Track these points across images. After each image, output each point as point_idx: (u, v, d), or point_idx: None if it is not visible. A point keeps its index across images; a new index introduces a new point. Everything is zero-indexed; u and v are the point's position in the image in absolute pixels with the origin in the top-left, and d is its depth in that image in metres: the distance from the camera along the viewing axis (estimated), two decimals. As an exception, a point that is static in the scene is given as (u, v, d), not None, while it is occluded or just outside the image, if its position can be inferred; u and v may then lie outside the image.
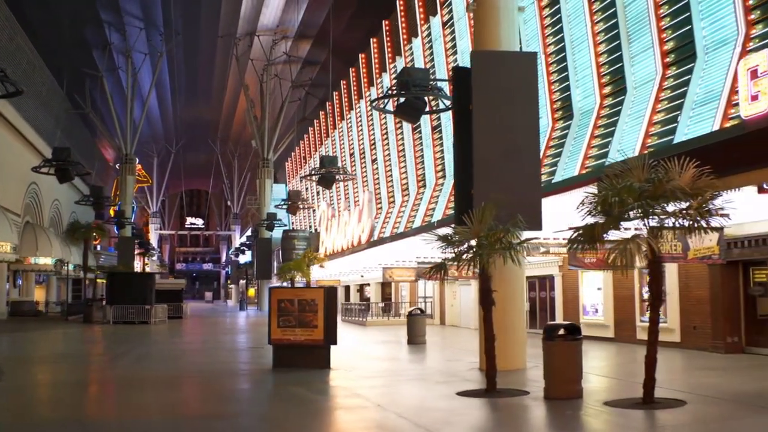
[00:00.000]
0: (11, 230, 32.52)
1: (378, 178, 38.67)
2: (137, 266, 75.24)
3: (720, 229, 15.12)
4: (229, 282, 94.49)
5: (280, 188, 64.02)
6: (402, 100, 18.67)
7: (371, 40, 38.74)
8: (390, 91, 22.37)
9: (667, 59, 16.92)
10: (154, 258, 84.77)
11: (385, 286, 41.60)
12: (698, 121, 15.07)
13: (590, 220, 11.12)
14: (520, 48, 22.95)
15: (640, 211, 10.35)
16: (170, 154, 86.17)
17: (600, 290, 21.59)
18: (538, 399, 11.47)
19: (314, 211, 55.37)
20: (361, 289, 48.99)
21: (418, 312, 23.95)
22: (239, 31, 56.81)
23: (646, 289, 19.24)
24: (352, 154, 43.98)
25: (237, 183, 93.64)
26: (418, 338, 22.60)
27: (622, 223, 11.05)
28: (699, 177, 10.39)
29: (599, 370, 15.80)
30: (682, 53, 16.52)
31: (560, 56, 21.25)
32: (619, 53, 18.62)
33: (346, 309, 39.29)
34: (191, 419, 10.42)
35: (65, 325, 33.85)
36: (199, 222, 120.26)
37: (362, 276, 44.19)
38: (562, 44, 21.04)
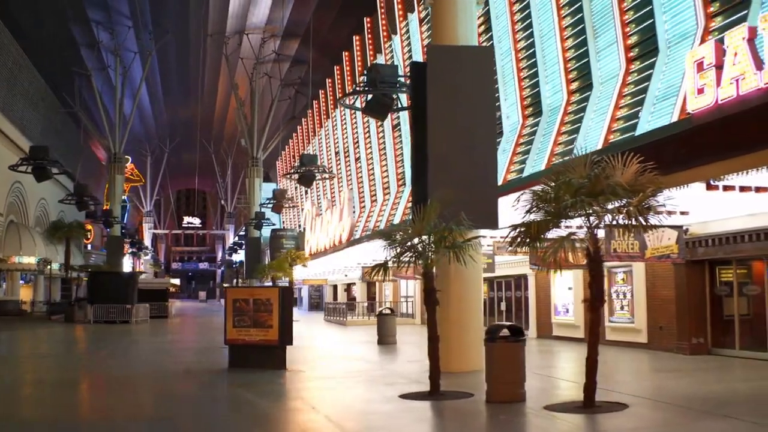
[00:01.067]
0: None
1: (361, 177, 38.35)
2: (130, 266, 75.13)
3: (680, 227, 14.86)
4: (224, 281, 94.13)
5: (270, 187, 63.68)
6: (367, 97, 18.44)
7: (354, 38, 38.41)
8: (357, 88, 22.08)
9: (631, 54, 16.58)
10: (148, 257, 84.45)
11: (371, 285, 41.26)
12: (659, 117, 14.72)
13: (532, 218, 10.79)
14: (491, 43, 22.73)
15: (579, 208, 9.99)
16: (164, 154, 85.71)
17: (571, 290, 21.22)
18: (479, 402, 11.12)
19: (302, 209, 55.16)
20: (348, 288, 48.65)
21: (388, 312, 23.63)
22: (228, 29, 56.53)
23: (615, 288, 18.97)
24: (337, 153, 43.65)
25: (230, 182, 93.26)
26: (388, 338, 22.27)
27: (568, 221, 10.76)
28: (642, 173, 10.09)
29: (557, 372, 15.47)
30: (645, 47, 16.17)
31: (530, 52, 20.91)
32: (586, 48, 18.28)
33: (329, 308, 38.97)
34: (110, 421, 10.11)
35: (43, 325, 33.56)
36: (196, 221, 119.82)
37: (346, 275, 43.84)
38: (532, 39, 20.70)
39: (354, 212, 36.63)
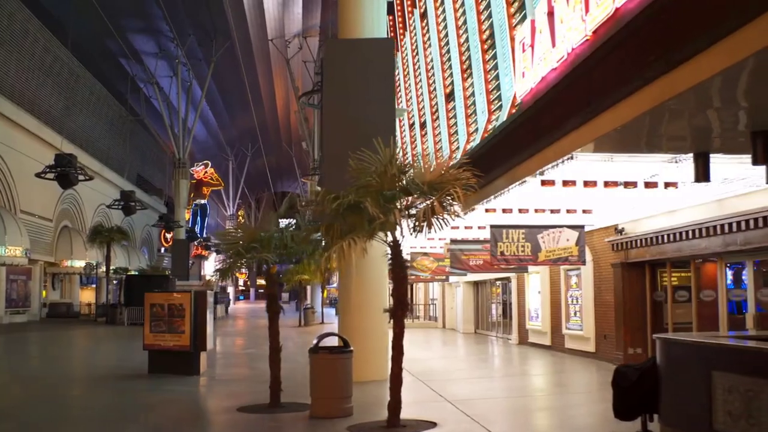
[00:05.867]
0: (21, 234, 33.65)
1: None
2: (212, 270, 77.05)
3: (581, 227, 13.56)
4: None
5: (335, 189, 63.80)
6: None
7: (382, 36, 37.72)
8: (316, 87, 21.57)
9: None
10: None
11: (414, 287, 40.46)
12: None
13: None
14: (466, 36, 21.68)
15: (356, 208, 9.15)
16: (246, 158, 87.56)
17: (540, 294, 19.87)
18: (301, 418, 10.42)
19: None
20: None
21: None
22: (287, 34, 57.18)
23: (570, 293, 17.62)
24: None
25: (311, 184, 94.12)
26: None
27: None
28: (446, 171, 9.19)
29: (457, 386, 14.08)
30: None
31: (492, 42, 19.73)
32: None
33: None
34: None
35: (79, 326, 34.55)
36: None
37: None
38: (493, 30, 19.53)
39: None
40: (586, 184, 9.99)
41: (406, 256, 25.97)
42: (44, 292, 42.41)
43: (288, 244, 11.19)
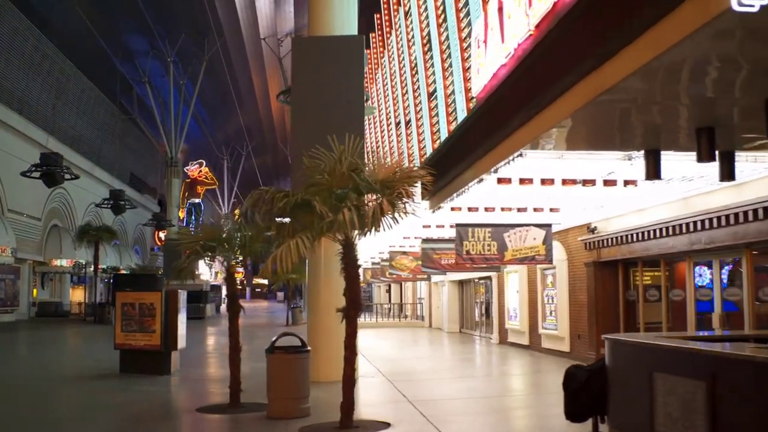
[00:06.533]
0: (7, 233, 33.57)
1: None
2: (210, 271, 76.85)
3: (548, 226, 13.44)
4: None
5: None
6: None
7: (370, 35, 37.61)
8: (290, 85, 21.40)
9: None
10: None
11: (402, 286, 40.35)
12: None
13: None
14: (446, 34, 21.56)
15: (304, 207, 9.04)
16: (241, 157, 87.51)
17: (518, 293, 19.75)
18: (257, 418, 10.31)
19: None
20: (389, 289, 47.87)
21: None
22: (279, 32, 57.07)
23: (546, 292, 17.50)
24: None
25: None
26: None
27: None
28: (399, 169, 9.10)
29: (435, 387, 13.99)
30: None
31: (470, 40, 19.60)
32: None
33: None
34: None
35: (68, 326, 34.40)
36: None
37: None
38: (470, 29, 19.41)
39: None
40: (543, 182, 9.86)
41: (385, 255, 25.83)
42: (35, 292, 42.35)
43: (246, 243, 11.05)
